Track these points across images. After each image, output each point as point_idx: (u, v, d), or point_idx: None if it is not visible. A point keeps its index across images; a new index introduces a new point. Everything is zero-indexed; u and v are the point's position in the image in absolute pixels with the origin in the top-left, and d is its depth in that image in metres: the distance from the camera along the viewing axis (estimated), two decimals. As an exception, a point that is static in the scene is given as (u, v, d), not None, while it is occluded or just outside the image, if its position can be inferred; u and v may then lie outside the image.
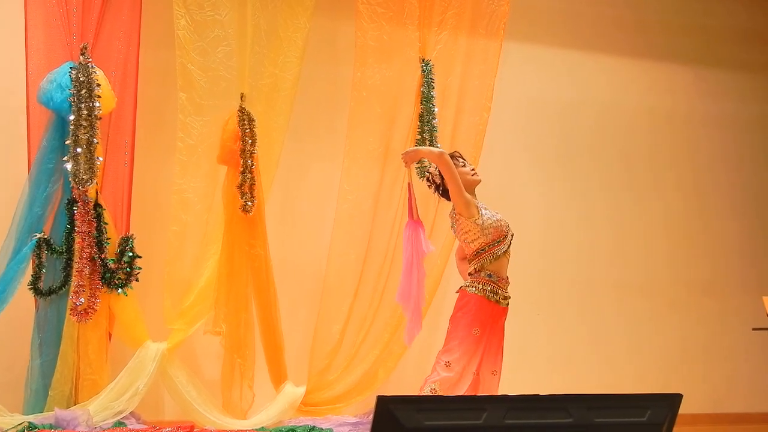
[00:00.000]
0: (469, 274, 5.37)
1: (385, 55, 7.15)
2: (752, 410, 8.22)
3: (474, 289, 5.27)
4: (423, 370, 7.35)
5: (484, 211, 5.33)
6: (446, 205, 7.12)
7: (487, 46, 7.45)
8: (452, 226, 5.49)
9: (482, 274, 5.27)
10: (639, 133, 8.59)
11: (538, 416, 3.37)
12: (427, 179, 5.65)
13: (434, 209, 7.14)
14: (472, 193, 5.44)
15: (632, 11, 8.69)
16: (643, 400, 3.54)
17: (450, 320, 5.35)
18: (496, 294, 5.24)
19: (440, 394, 4.98)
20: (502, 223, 5.34)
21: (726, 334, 8.43)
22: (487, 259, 5.28)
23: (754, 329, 7.19)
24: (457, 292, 5.47)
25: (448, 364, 5.11)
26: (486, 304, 5.21)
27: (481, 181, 5.49)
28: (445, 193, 5.51)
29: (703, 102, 8.84)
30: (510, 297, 5.36)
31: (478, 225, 5.27)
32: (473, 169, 5.48)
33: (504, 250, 5.31)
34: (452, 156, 5.45)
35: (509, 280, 5.40)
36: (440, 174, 5.45)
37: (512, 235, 5.42)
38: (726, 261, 8.65)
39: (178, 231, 6.57)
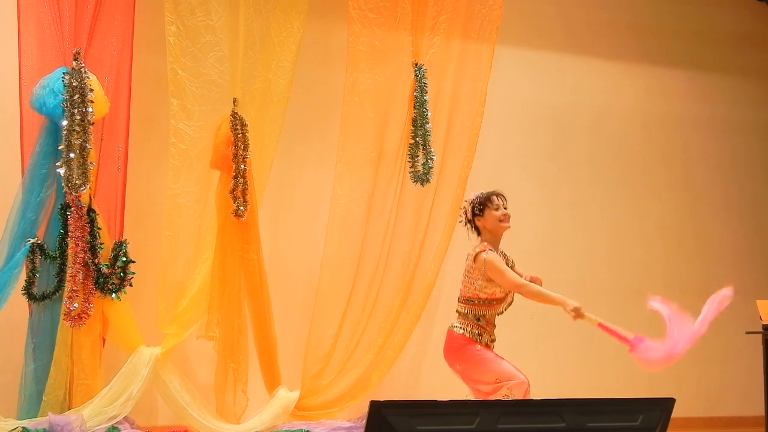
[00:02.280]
0: (457, 311, 5.45)
1: (377, 60, 7.15)
2: (745, 414, 8.21)
3: (462, 330, 5.35)
4: (416, 375, 7.40)
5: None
6: (438, 211, 7.18)
7: (479, 50, 7.46)
8: (467, 261, 5.45)
9: (469, 316, 5.34)
10: (633, 137, 8.60)
11: (531, 421, 3.38)
12: (461, 215, 5.64)
13: (427, 213, 7.15)
14: (498, 239, 5.46)
15: (625, 15, 8.70)
16: (635, 405, 3.55)
17: (451, 363, 5.39)
18: (481, 336, 5.32)
19: (516, 397, 5.03)
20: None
21: (719, 336, 8.40)
22: (474, 311, 5.35)
23: (747, 333, 7.19)
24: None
25: (498, 380, 5.15)
26: (474, 344, 5.28)
27: (508, 228, 5.45)
28: (475, 229, 5.53)
29: (696, 105, 8.86)
30: (495, 339, 5.41)
31: (483, 284, 5.32)
32: (505, 215, 5.43)
33: (494, 312, 5.38)
34: (495, 195, 5.47)
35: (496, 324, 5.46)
36: (472, 211, 5.48)
37: (511, 296, 5.45)
38: (720, 263, 8.65)
39: (172, 236, 6.56)
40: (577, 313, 5.12)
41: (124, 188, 6.51)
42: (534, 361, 7.70)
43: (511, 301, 5.48)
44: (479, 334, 5.31)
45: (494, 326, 5.42)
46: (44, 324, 6.22)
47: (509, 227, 5.46)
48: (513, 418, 3.37)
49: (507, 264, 5.44)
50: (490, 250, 5.33)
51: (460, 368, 5.35)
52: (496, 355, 5.31)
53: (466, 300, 5.39)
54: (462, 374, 5.36)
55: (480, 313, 5.34)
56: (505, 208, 5.45)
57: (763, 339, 6.94)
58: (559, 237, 8.12)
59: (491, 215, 5.42)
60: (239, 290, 6.64)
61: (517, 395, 5.06)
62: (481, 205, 5.45)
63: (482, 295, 5.33)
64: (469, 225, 5.55)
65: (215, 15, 6.67)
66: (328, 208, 6.99)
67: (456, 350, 5.33)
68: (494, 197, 5.46)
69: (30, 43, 6.34)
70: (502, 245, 5.53)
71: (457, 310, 5.45)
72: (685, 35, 8.88)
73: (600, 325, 5.21)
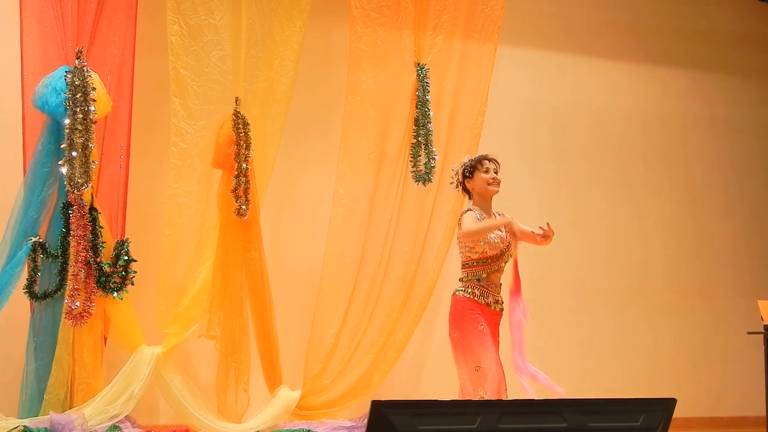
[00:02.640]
0: (460, 279, 5.44)
1: (380, 59, 7.16)
2: (746, 414, 8.22)
3: (464, 292, 5.37)
4: (417, 375, 7.40)
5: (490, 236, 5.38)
6: (440, 210, 7.18)
7: (481, 49, 7.47)
8: (459, 225, 5.50)
9: (469, 279, 5.35)
10: (633, 136, 8.61)
11: (533, 421, 3.39)
12: (451, 178, 5.70)
13: (429, 213, 7.16)
14: (488, 202, 5.50)
15: (626, 15, 8.71)
16: (637, 405, 3.55)
17: (450, 329, 5.37)
18: (486, 297, 5.31)
19: (490, 396, 5.05)
20: (496, 241, 5.39)
21: (720, 337, 8.44)
22: (472, 273, 5.35)
23: (749, 333, 7.20)
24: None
25: (477, 368, 5.15)
26: (477, 306, 5.27)
27: (497, 192, 5.50)
28: (466, 192, 5.60)
29: (696, 105, 8.87)
30: (502, 301, 5.39)
31: (471, 245, 5.36)
32: (494, 179, 5.48)
33: (491, 270, 5.37)
34: (487, 158, 5.52)
35: (501, 285, 5.45)
36: (462, 173, 5.55)
37: (509, 253, 5.46)
38: (720, 264, 8.67)
39: (173, 235, 6.57)
40: (512, 229, 5.35)
41: (126, 187, 6.52)
42: (534, 361, 7.69)
43: (509, 256, 5.47)
44: (480, 295, 5.32)
45: (498, 287, 5.42)
46: (46, 323, 6.23)
47: (498, 191, 5.50)
48: (514, 418, 3.37)
49: (496, 244, 5.43)
50: (470, 210, 5.39)
51: (456, 336, 5.32)
52: (495, 343, 5.30)
53: (464, 265, 5.44)
54: (454, 343, 5.33)
55: (479, 274, 5.36)
56: (495, 173, 5.49)
57: (765, 339, 6.94)
58: (559, 237, 8.06)
59: (480, 178, 5.48)
60: (241, 289, 6.64)
61: (491, 395, 5.06)
62: (472, 168, 5.52)
63: (474, 256, 5.36)
64: (460, 187, 5.60)
65: (217, 14, 6.68)
66: (330, 208, 7.00)
67: (458, 317, 5.34)
68: (485, 160, 5.52)
69: (32, 41, 6.35)
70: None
71: (459, 278, 5.47)
72: (685, 35, 8.88)
73: (515, 261, 5.43)
